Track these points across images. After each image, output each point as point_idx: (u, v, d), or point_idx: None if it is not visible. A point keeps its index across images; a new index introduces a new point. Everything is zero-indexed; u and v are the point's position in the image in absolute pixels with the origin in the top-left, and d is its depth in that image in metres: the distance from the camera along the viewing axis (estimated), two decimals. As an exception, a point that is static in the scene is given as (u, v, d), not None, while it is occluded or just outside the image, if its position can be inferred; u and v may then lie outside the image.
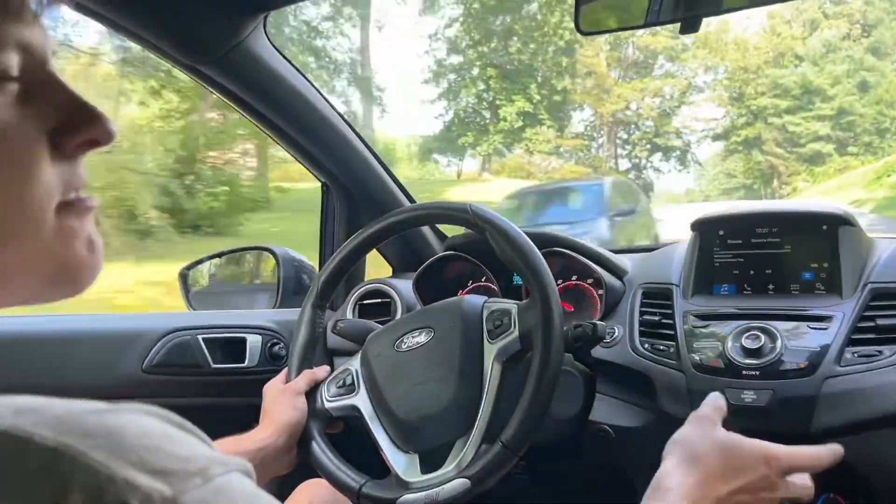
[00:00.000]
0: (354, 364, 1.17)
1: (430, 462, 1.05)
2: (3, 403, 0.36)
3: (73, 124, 0.47)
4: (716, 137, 31.82)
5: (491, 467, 0.98)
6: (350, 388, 1.14)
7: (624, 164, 31.12)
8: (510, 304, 1.09)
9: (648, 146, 30.41)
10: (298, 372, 1.18)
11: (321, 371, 1.18)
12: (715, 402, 0.89)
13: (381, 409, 1.11)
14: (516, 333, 1.04)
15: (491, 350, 1.06)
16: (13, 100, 0.44)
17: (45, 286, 0.47)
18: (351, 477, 1.08)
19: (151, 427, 0.38)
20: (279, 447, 1.06)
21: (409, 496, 1.02)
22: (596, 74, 28.20)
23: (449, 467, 1.02)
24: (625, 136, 31.14)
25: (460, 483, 0.99)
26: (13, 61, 0.44)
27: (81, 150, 0.48)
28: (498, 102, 26.06)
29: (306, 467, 1.11)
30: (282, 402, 1.11)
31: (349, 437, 1.18)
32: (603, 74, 28.55)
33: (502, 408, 1.03)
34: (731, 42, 29.86)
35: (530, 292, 1.04)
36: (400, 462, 1.07)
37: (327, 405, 1.14)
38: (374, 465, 1.11)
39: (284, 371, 1.20)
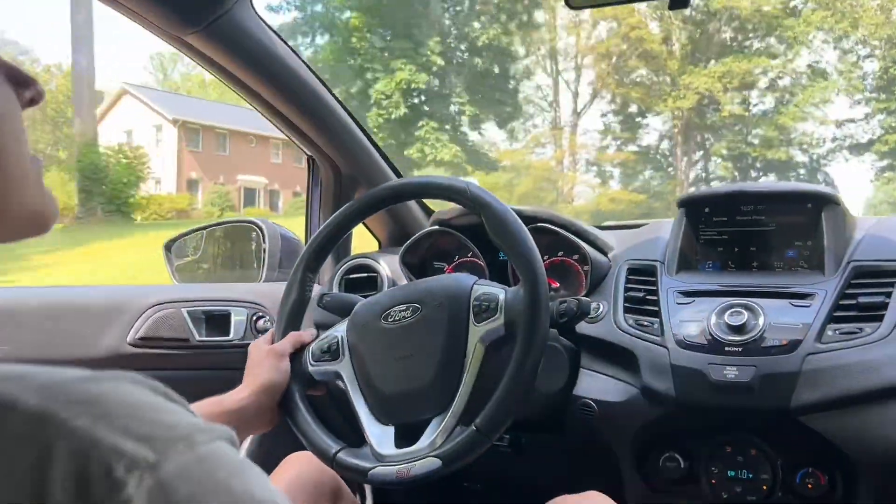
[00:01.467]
0: (340, 330, 1.17)
1: (406, 437, 1.06)
2: None
3: (21, 83, 0.50)
4: (854, 148, 21.21)
5: (463, 449, 0.99)
6: (335, 354, 1.15)
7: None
8: (499, 290, 1.08)
9: (740, 162, 21.88)
10: (285, 333, 1.18)
11: (307, 334, 1.18)
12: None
13: (363, 379, 1.11)
14: (502, 320, 1.04)
15: (476, 332, 1.06)
16: None
17: (22, 227, 0.50)
18: (327, 442, 1.09)
19: (136, 395, 0.38)
20: (260, 406, 1.07)
21: (381, 468, 1.03)
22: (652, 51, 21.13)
23: (423, 444, 1.03)
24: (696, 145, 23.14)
25: (431, 462, 1.00)
26: None
27: (27, 107, 0.51)
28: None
29: (293, 439, 1.12)
30: (265, 363, 1.11)
31: (331, 402, 1.18)
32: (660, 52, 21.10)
33: (481, 390, 1.03)
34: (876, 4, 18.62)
35: (520, 279, 1.04)
36: (376, 433, 1.08)
37: (311, 368, 1.15)
38: (351, 433, 1.13)
39: (270, 332, 1.20)
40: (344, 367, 1.14)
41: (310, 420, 1.11)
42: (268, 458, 1.20)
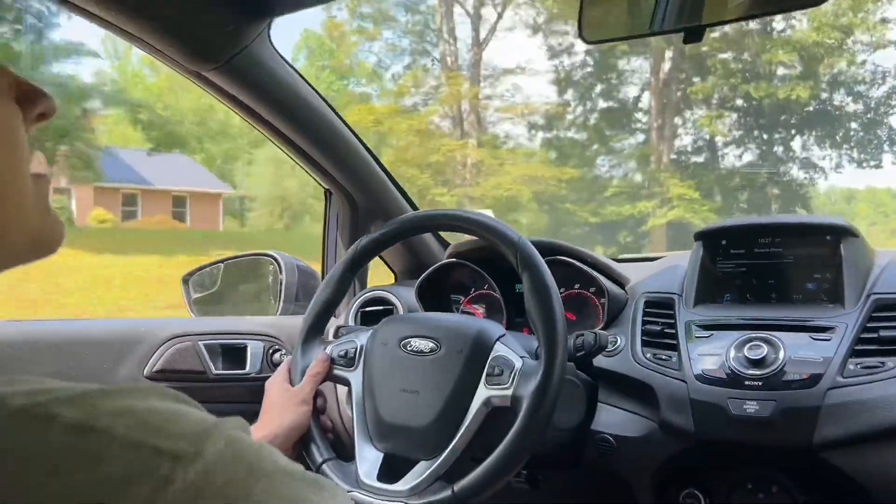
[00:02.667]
0: (362, 339, 1.18)
1: (391, 470, 1.07)
2: (7, 382, 0.38)
3: (30, 98, 0.50)
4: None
5: None
6: (350, 362, 1.16)
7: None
8: (516, 357, 1.06)
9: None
10: (312, 328, 1.21)
11: (323, 367, 1.17)
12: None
13: (368, 398, 1.12)
14: (510, 392, 1.03)
15: (482, 393, 1.05)
16: None
17: (23, 251, 0.49)
18: (319, 450, 1.11)
19: (158, 403, 0.40)
20: (277, 448, 1.07)
21: (358, 495, 1.05)
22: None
23: (402, 488, 1.03)
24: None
25: None
26: None
27: (36, 122, 0.51)
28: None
29: None
30: (287, 406, 1.12)
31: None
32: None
33: (471, 452, 1.04)
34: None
35: (539, 355, 1.02)
36: (365, 456, 1.09)
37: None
38: (339, 443, 1.18)
39: (284, 366, 1.21)
40: (355, 378, 1.15)
41: (313, 425, 1.14)
42: None
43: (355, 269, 1.23)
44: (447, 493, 0.99)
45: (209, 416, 0.41)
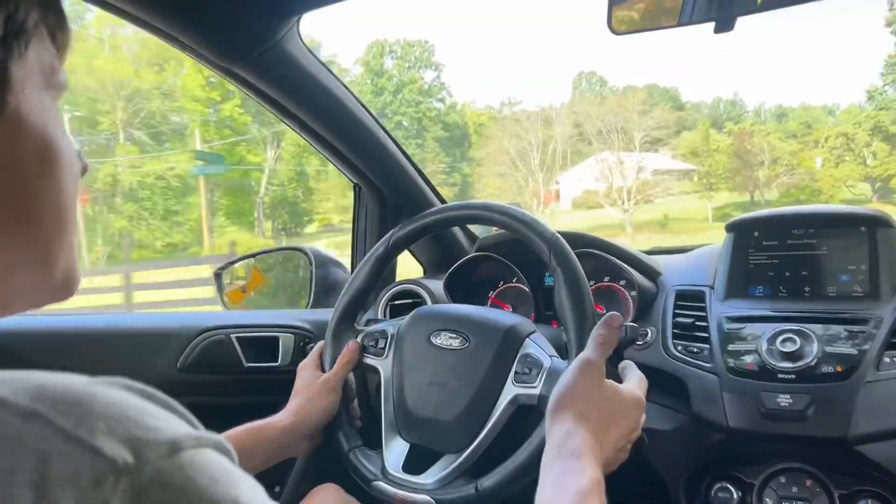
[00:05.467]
0: (392, 328, 1.19)
1: (416, 461, 1.08)
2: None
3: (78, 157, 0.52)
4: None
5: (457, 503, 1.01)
6: (380, 351, 1.18)
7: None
8: (546, 358, 1.05)
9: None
10: (342, 317, 1.22)
11: (354, 354, 1.18)
12: (598, 340, 0.88)
13: (397, 388, 1.13)
14: (537, 392, 1.02)
15: (510, 391, 1.05)
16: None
17: (54, 291, 0.51)
18: (347, 437, 1.13)
19: (124, 398, 0.38)
20: (304, 431, 1.10)
21: (383, 484, 1.06)
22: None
23: (426, 480, 1.04)
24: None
25: (426, 501, 1.02)
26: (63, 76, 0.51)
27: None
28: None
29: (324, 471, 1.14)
30: (318, 392, 1.14)
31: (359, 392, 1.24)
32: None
33: (496, 449, 1.03)
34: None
35: (568, 351, 1.02)
36: (392, 445, 1.10)
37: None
38: (368, 428, 1.17)
39: (316, 352, 1.23)
40: (384, 367, 1.16)
41: (342, 410, 1.15)
42: (295, 494, 1.22)
43: (385, 262, 1.24)
44: (471, 489, 1.00)
45: (179, 425, 0.39)
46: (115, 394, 0.38)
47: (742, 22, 1.00)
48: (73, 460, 0.34)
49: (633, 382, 0.93)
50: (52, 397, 0.36)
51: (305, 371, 1.18)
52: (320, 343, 1.24)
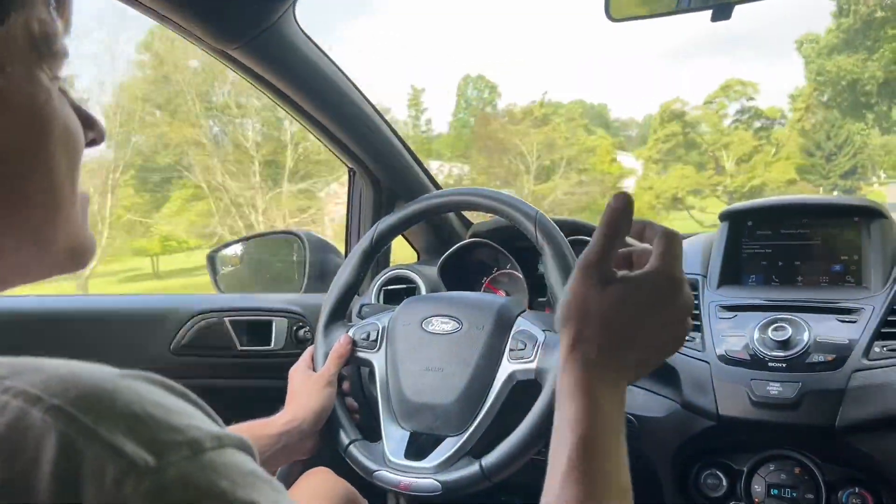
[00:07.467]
0: (383, 320, 1.19)
1: (418, 447, 1.07)
2: (5, 363, 0.37)
3: (87, 123, 0.51)
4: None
5: (463, 483, 1.01)
6: (372, 344, 1.17)
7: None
8: (539, 331, 1.06)
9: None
10: (333, 312, 1.21)
11: (346, 348, 1.18)
12: (602, 231, 0.70)
13: (392, 378, 1.13)
14: (533, 366, 1.03)
15: (506, 368, 1.05)
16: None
17: (62, 262, 0.50)
18: (345, 431, 1.12)
19: (148, 394, 0.38)
20: (303, 432, 1.08)
21: (386, 473, 1.06)
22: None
23: (429, 463, 1.04)
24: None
25: (433, 484, 1.02)
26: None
27: (87, 146, 0.52)
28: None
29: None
30: (312, 390, 1.12)
31: (353, 388, 1.24)
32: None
33: (496, 426, 1.04)
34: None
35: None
36: (392, 435, 1.10)
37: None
38: (366, 423, 1.17)
39: (307, 354, 1.22)
40: (378, 359, 1.16)
41: (338, 405, 1.14)
42: (289, 475, 1.23)
43: (377, 250, 1.24)
44: (475, 468, 1.00)
45: (202, 422, 0.38)
46: (137, 389, 0.37)
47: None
48: (95, 458, 0.33)
49: (659, 260, 0.71)
50: (73, 392, 0.35)
51: (297, 373, 1.17)
52: (310, 348, 1.23)
